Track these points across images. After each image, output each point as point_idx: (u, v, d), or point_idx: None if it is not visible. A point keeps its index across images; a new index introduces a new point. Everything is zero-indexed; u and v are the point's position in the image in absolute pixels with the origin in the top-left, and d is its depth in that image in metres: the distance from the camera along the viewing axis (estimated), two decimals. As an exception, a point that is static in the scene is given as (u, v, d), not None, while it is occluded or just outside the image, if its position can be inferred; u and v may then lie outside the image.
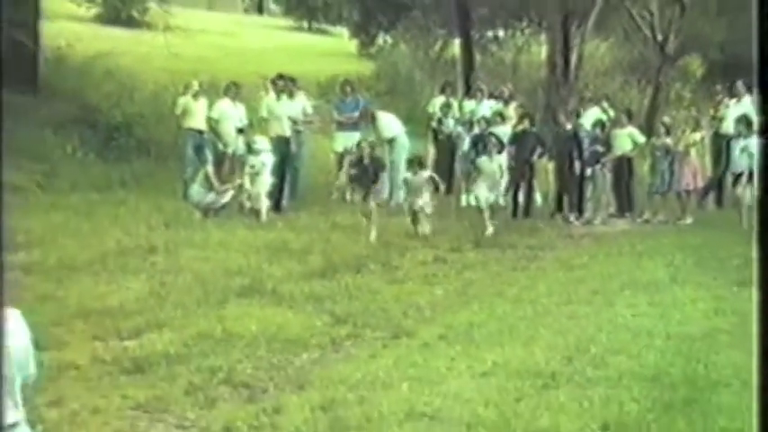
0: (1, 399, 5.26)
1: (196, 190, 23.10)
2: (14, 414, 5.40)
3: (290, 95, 25.30)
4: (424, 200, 21.65)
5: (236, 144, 24.00)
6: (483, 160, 23.77)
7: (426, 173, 22.69)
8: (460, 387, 11.68)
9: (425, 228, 21.59)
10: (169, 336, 13.65)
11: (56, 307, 14.68)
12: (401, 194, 25.30)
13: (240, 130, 24.23)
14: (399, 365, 12.67)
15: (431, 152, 27.40)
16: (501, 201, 23.72)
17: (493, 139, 24.16)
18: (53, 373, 11.01)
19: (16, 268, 16.58)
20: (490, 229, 22.09)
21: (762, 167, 4.59)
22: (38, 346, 11.34)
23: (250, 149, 23.37)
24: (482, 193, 22.99)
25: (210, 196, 22.81)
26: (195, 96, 25.29)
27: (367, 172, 22.03)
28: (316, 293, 16.11)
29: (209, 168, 23.13)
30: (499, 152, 23.80)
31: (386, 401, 11.15)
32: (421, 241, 20.81)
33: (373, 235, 20.51)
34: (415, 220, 21.82)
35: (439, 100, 28.14)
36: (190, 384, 11.78)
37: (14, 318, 5.50)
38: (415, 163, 22.57)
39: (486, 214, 22.49)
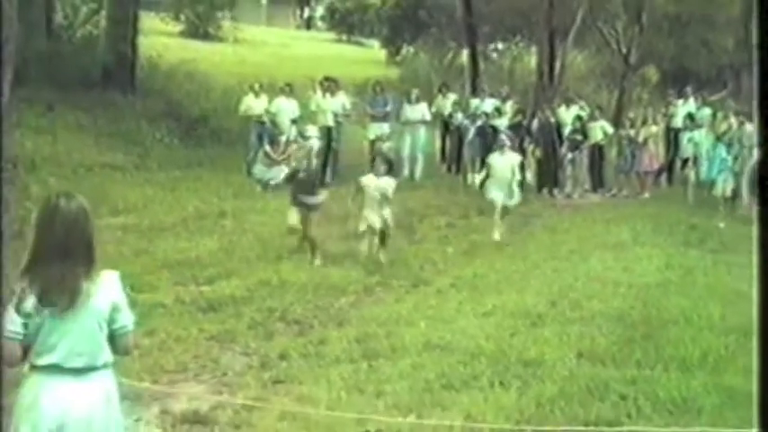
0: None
1: (258, 168, 23.23)
2: (90, 360, 5.17)
3: (333, 94, 25.26)
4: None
5: (290, 132, 23.98)
6: (494, 156, 19.22)
7: None
8: (466, 325, 11.66)
9: None
10: (236, 282, 13.65)
11: (148, 259, 14.71)
12: (418, 170, 25.48)
13: (293, 121, 24.18)
14: (418, 307, 12.68)
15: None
16: (514, 201, 18.77)
17: (504, 136, 20.37)
18: (146, 310, 11.01)
19: (118, 229, 16.65)
20: (497, 235, 17.75)
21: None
22: (134, 289, 11.46)
23: (302, 136, 23.47)
24: (494, 194, 18.38)
25: (269, 173, 22.91)
26: (257, 94, 25.41)
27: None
28: (353, 250, 16.08)
29: (269, 150, 23.25)
30: (513, 148, 19.74)
31: (408, 335, 11.15)
32: (436, 210, 20.73)
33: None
34: None
35: (448, 99, 28.07)
36: (252, 321, 11.81)
37: (110, 278, 5.30)
38: None
39: (497, 216, 18.07)
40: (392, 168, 24.74)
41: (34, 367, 5.16)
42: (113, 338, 5.27)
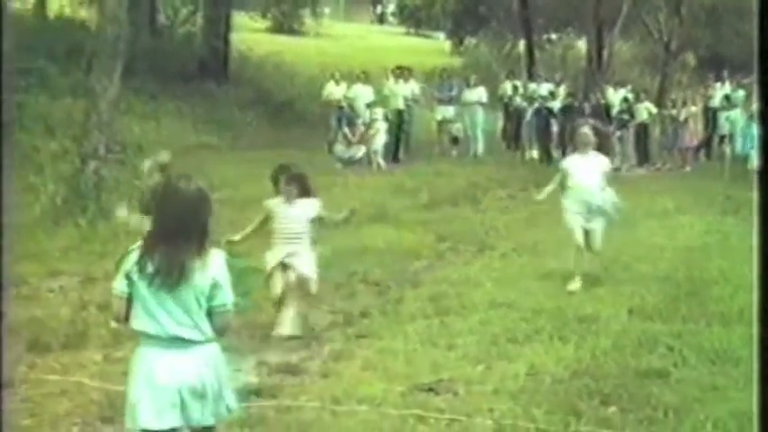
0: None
1: (338, 148, 23.36)
2: (192, 333, 4.94)
3: (404, 80, 25.35)
4: None
5: (366, 115, 24.03)
6: (573, 160, 12.00)
7: None
8: (528, 285, 11.59)
9: None
10: (320, 249, 13.62)
11: (241, 229, 14.71)
12: (480, 147, 25.49)
13: (369, 105, 24.20)
14: (484, 270, 12.63)
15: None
16: (599, 226, 11.65)
17: (586, 129, 12.27)
18: (242, 273, 11.01)
19: (214, 202, 16.64)
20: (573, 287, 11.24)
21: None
22: (231, 254, 11.50)
23: (374, 118, 23.54)
24: (572, 218, 11.67)
25: (348, 152, 23.02)
26: (337, 82, 25.57)
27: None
28: (424, 219, 16.10)
29: (347, 132, 23.34)
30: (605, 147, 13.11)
31: (475, 294, 11.11)
32: (497, 183, 20.66)
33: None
34: None
35: (508, 84, 28.12)
36: (337, 283, 11.81)
37: (217, 256, 5.04)
38: None
39: (576, 254, 11.63)
40: (458, 145, 25.07)
41: (141, 335, 4.99)
42: (212, 315, 5.01)
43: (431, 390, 7.87)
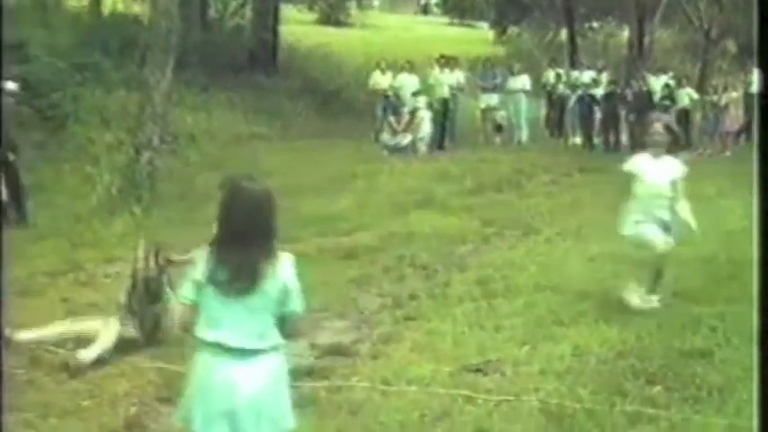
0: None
1: (384, 136, 23.37)
2: (258, 342, 4.69)
3: (449, 69, 25.32)
4: None
5: (411, 104, 24.03)
6: (642, 160, 9.97)
7: None
8: (572, 269, 11.55)
9: None
10: (370, 234, 13.70)
11: (292, 215, 14.64)
12: (523, 134, 25.47)
13: (414, 94, 24.18)
14: (529, 254, 12.59)
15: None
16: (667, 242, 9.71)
17: (659, 125, 9.99)
18: (294, 256, 11.09)
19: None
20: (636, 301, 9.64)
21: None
22: (281, 240, 11.56)
23: (417, 107, 23.55)
24: (647, 231, 9.72)
25: (393, 140, 23.04)
26: (383, 71, 25.57)
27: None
28: (469, 205, 16.06)
29: (393, 120, 23.37)
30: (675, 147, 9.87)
31: (521, 278, 11.09)
32: (541, 169, 20.57)
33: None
34: None
35: (551, 72, 28.09)
36: (385, 267, 11.84)
37: (286, 260, 4.78)
38: None
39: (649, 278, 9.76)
40: (502, 132, 25.07)
41: (202, 343, 4.71)
42: (282, 321, 4.77)
43: (478, 370, 7.88)
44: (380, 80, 25.39)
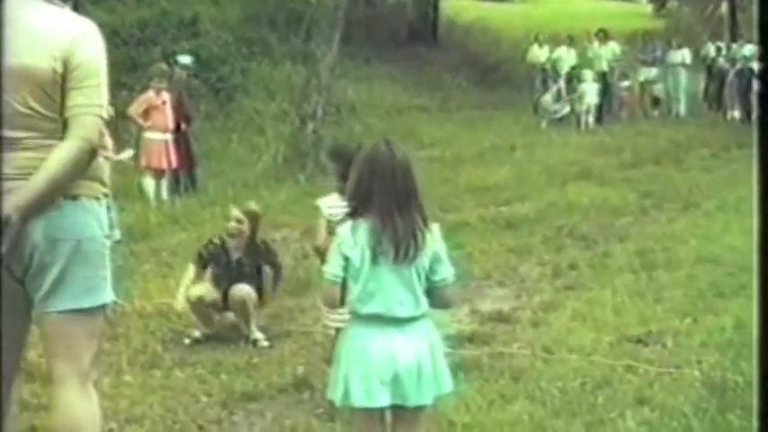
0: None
1: (546, 100, 23.25)
2: (412, 310, 4.48)
3: (606, 43, 25.03)
4: None
5: (569, 76, 23.85)
6: None
7: None
8: (733, 241, 11.18)
9: None
10: (528, 205, 13.58)
11: (452, 185, 14.77)
12: (682, 107, 25.00)
13: (572, 68, 23.96)
14: (689, 226, 12.29)
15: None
16: None
17: None
18: (453, 227, 11.05)
19: (425, 160, 16.75)
20: None
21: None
22: (442, 209, 11.56)
23: (579, 80, 23.32)
24: None
25: (554, 105, 22.97)
26: (541, 45, 25.48)
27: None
28: (628, 177, 15.81)
29: (554, 89, 23.31)
30: None
31: (681, 250, 10.83)
32: (699, 142, 20.08)
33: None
34: None
35: (711, 46, 27.46)
36: (544, 237, 11.69)
37: (434, 228, 4.50)
38: None
39: None
40: (659, 105, 24.61)
41: (356, 315, 4.53)
42: (432, 290, 4.54)
43: (639, 341, 7.70)
44: (538, 53, 25.40)
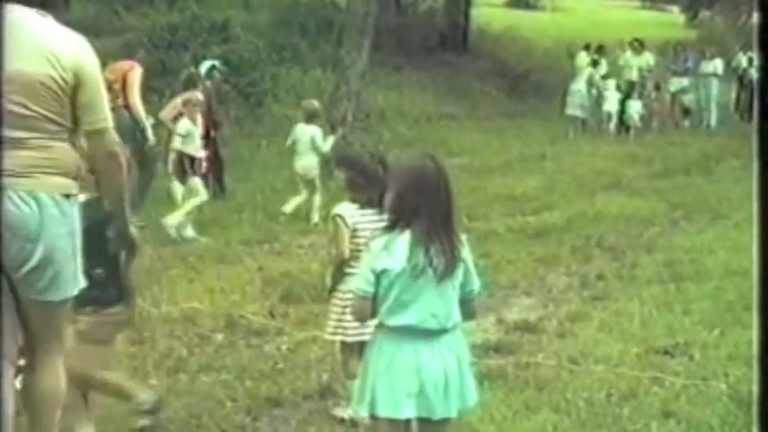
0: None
1: (576, 103, 23.19)
2: (444, 322, 4.46)
3: (639, 53, 25.07)
4: None
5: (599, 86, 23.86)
6: None
7: None
8: (763, 255, 11.13)
9: None
10: (557, 214, 13.53)
11: (480, 194, 14.72)
12: (713, 118, 24.89)
13: (604, 77, 23.91)
14: (718, 238, 12.19)
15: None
16: None
17: None
18: (481, 236, 11.09)
19: (454, 168, 16.64)
20: None
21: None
22: (469, 218, 11.55)
23: (605, 89, 23.37)
24: None
25: (585, 111, 23.05)
26: (588, 51, 25.61)
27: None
28: (657, 188, 15.72)
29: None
30: None
31: (710, 262, 10.78)
32: (730, 153, 19.95)
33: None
34: None
35: (743, 56, 27.31)
36: (572, 246, 11.64)
37: (462, 241, 4.50)
38: None
39: None
40: (690, 116, 24.55)
41: (385, 327, 4.51)
42: (462, 302, 4.54)
43: (666, 353, 7.67)
44: (586, 60, 25.22)
